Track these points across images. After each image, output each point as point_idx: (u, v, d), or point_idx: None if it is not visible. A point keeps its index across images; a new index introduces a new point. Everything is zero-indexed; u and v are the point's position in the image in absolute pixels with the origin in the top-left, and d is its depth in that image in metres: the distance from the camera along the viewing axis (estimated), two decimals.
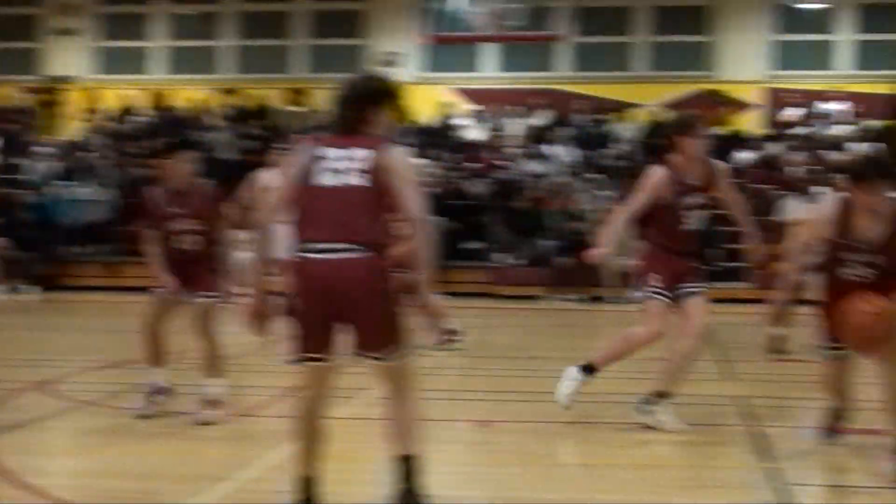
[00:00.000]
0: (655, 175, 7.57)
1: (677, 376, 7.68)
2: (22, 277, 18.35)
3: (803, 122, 21.90)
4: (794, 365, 10.80)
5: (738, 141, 21.27)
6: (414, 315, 5.33)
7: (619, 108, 22.94)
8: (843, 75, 22.65)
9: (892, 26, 22.76)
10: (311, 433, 5.28)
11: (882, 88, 21.87)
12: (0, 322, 15.10)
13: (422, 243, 5.09)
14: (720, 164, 7.96)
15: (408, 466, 5.25)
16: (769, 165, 20.05)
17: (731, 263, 16.66)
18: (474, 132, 22.70)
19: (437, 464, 6.35)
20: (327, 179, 5.14)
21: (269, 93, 23.52)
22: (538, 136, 22.16)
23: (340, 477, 5.84)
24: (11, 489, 5.93)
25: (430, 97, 22.76)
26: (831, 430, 6.99)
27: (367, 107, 5.27)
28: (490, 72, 23.88)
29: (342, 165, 5.13)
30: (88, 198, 20.15)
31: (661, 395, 7.62)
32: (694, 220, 7.63)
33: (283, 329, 5.28)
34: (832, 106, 21.89)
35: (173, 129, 21.09)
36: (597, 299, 18.46)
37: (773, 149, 20.84)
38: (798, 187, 12.85)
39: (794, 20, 23.25)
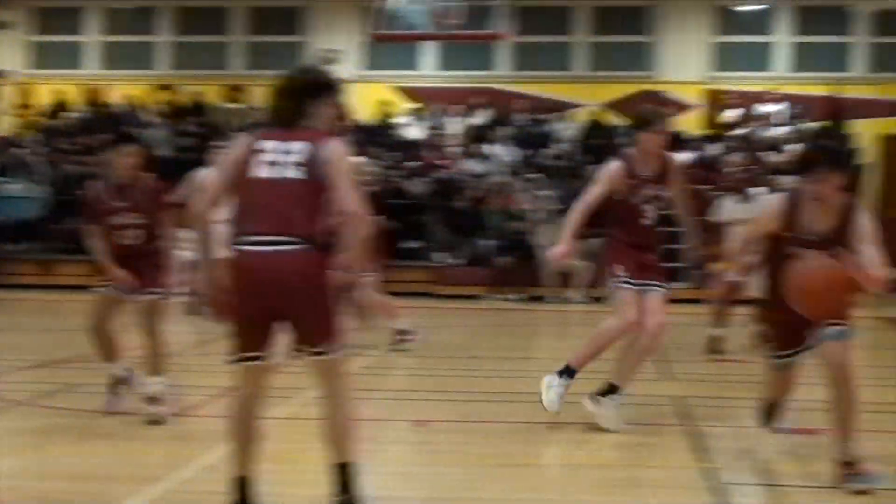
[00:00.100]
0: (611, 168, 7.63)
1: (630, 373, 7.72)
2: None
3: (742, 123, 22.07)
4: (732, 365, 10.92)
5: (678, 141, 21.38)
6: (355, 313, 5.27)
7: (559, 107, 22.99)
8: (780, 77, 22.87)
9: (828, 28, 23.03)
10: (246, 433, 5.21)
11: (819, 90, 22.11)
12: None
13: (357, 239, 5.03)
14: (676, 160, 8.04)
15: (344, 475, 5.18)
16: (708, 166, 20.18)
17: (669, 263, 16.72)
18: (414, 131, 22.66)
19: (377, 464, 6.30)
20: (264, 172, 5.08)
21: (206, 89, 23.31)
22: (478, 135, 22.15)
23: (279, 478, 5.78)
24: None
25: (370, 95, 22.68)
26: (773, 425, 6.92)
27: (306, 99, 5.22)
28: (430, 70, 23.84)
29: (280, 158, 5.08)
30: (22, 195, 19.86)
31: (611, 390, 7.63)
32: (652, 215, 7.67)
33: (221, 327, 5.21)
34: (770, 107, 22.09)
35: (108, 125, 20.84)
36: (537, 299, 18.51)
37: (712, 149, 21.00)
38: (736, 188, 12.90)
39: (733, 22, 23.45)
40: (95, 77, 24.14)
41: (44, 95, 23.84)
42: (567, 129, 22.47)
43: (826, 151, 6.27)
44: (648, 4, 23.44)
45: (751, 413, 7.09)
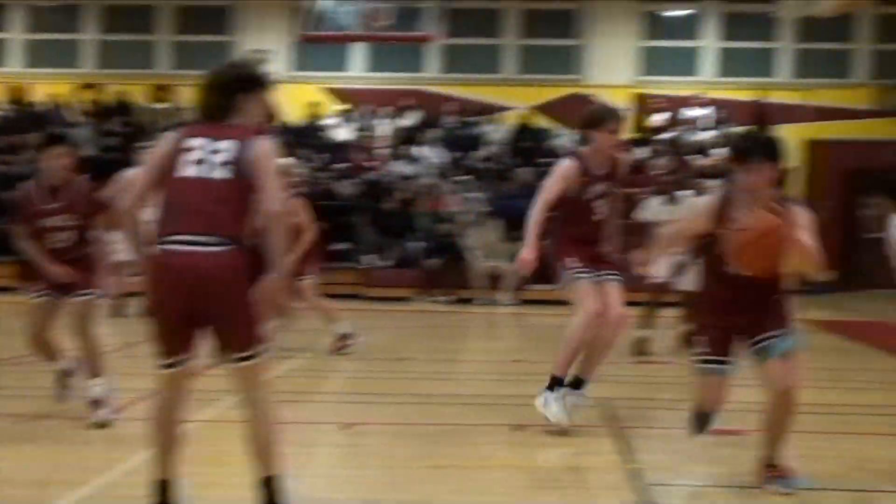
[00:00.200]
0: (566, 166, 7.64)
1: (595, 366, 7.78)
2: None
3: (669, 126, 22.27)
4: (659, 367, 11.01)
5: None
6: (281, 316, 5.21)
7: (488, 110, 23.06)
8: (707, 82, 23.14)
9: (754, 34, 23.33)
10: (167, 436, 5.14)
11: (744, 94, 22.39)
12: None
13: (280, 240, 4.98)
14: (624, 159, 8.08)
15: (270, 489, 5.11)
16: (635, 170, 20.32)
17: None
18: (343, 132, 22.59)
19: (304, 467, 6.26)
20: (191, 171, 5.00)
21: (132, 89, 23.03)
22: (407, 137, 22.15)
23: (204, 480, 5.73)
24: None
25: (299, 96, 22.55)
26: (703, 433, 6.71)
27: (235, 94, 5.15)
28: (359, 72, 23.79)
29: (207, 157, 5.00)
30: None
31: (577, 384, 7.69)
32: (602, 211, 7.70)
33: (146, 328, 5.14)
34: (697, 111, 22.32)
35: (31, 124, 20.54)
36: (465, 301, 18.54)
37: (639, 153, 21.16)
38: (662, 190, 13.00)
39: (661, 27, 23.68)
40: (19, 75, 23.77)
41: None
42: (496, 131, 22.54)
43: (758, 142, 6.21)
44: (577, 8, 23.57)
45: (677, 415, 7.13)
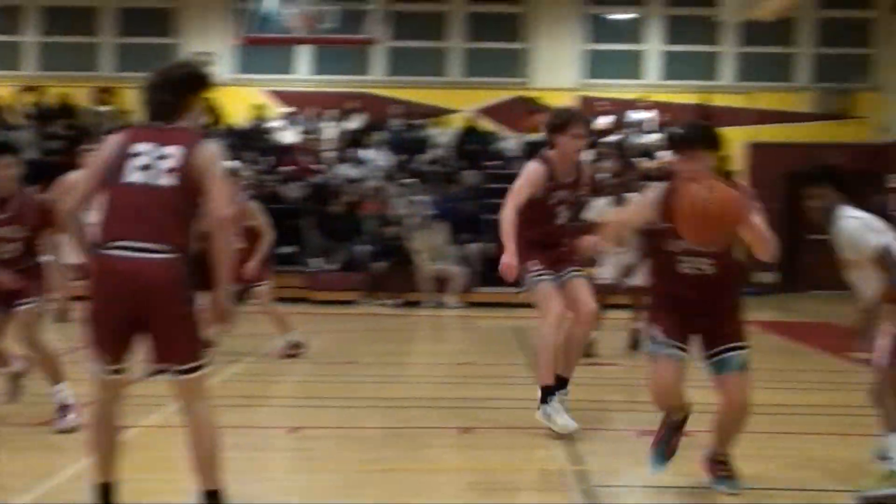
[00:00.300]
0: (533, 170, 7.64)
1: (574, 363, 7.81)
2: None
3: (614, 130, 22.37)
4: (605, 369, 11.04)
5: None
6: (221, 321, 5.14)
7: (434, 113, 23.06)
8: (651, 85, 23.30)
9: (697, 38, 23.51)
10: (106, 441, 5.11)
11: (687, 98, 22.55)
12: None
13: (227, 245, 4.94)
14: (588, 164, 8.10)
15: (213, 503, 5.09)
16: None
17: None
18: (288, 135, 22.48)
19: (251, 471, 6.22)
20: (136, 176, 4.94)
21: (74, 91, 22.78)
22: (353, 140, 22.10)
23: (148, 486, 5.69)
24: None
25: (243, 99, 22.43)
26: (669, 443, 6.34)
27: (180, 93, 5.10)
28: (304, 74, 23.69)
29: (153, 162, 4.94)
30: None
31: (560, 385, 7.69)
32: (565, 215, 7.73)
33: (84, 334, 5.08)
34: (642, 114, 22.44)
35: None
36: (412, 304, 18.52)
37: (585, 156, 21.19)
38: (608, 192, 13.06)
39: (605, 30, 23.79)
40: None
41: None
42: (442, 134, 22.55)
43: (697, 131, 6.19)
44: (521, 11, 23.64)
45: (624, 416, 7.16)
